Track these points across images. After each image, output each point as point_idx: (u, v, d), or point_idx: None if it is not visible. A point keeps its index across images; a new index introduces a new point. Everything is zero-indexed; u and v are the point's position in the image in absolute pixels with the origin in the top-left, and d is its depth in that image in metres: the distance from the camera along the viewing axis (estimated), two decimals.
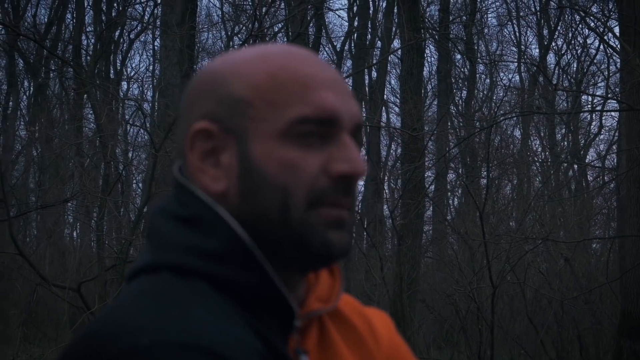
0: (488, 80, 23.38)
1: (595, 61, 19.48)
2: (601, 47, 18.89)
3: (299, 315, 1.35)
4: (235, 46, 18.42)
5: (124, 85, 23.50)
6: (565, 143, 18.76)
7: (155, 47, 21.55)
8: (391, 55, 20.21)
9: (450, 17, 19.44)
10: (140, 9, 21.90)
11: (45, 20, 20.29)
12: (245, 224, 1.30)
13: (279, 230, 1.29)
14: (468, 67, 21.21)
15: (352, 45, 23.08)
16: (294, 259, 1.32)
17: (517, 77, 22.12)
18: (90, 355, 1.16)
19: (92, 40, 20.58)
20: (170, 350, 1.13)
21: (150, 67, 22.47)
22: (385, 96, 22.93)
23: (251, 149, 1.30)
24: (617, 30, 12.89)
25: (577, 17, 15.70)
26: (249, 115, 1.31)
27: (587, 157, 20.41)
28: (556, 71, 20.22)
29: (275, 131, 1.29)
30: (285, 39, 19.32)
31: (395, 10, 19.12)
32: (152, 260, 1.30)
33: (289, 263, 1.33)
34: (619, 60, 13.11)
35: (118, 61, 21.43)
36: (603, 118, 20.84)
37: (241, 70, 1.34)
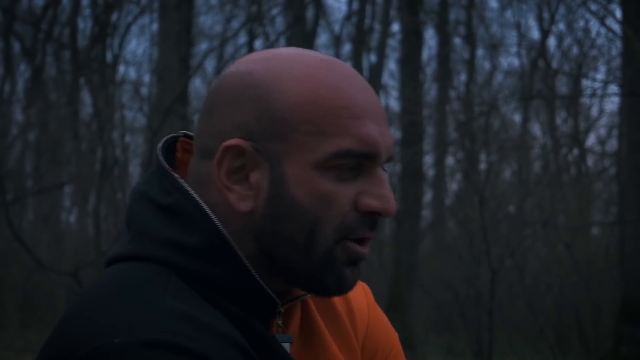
0: (488, 64, 23.32)
1: (596, 45, 19.39)
2: (602, 31, 18.81)
3: (283, 300, 1.34)
4: (233, 29, 18.35)
5: (121, 68, 23.41)
6: (566, 127, 18.68)
7: (153, 30, 21.44)
8: (390, 39, 20.13)
9: (450, 0, 19.33)
10: None
11: (42, 3, 20.19)
12: (263, 245, 1.28)
13: (299, 258, 1.27)
14: (468, 51, 21.13)
15: (350, 28, 22.99)
16: (299, 285, 1.32)
17: (517, 61, 22.07)
18: (63, 355, 1.16)
19: (89, 24, 20.52)
20: (143, 350, 1.12)
21: (148, 51, 22.37)
22: (384, 80, 22.84)
23: (285, 174, 1.25)
24: (618, 14, 12.80)
25: (578, 0, 15.59)
26: (288, 138, 1.25)
27: (588, 141, 20.39)
28: (556, 55, 20.17)
29: (313, 159, 1.24)
30: (284, 22, 19.23)
31: None
32: (129, 250, 1.29)
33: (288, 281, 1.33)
34: (620, 44, 13.03)
35: (115, 45, 21.35)
36: (604, 102, 20.82)
37: (287, 85, 1.26)
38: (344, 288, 1.30)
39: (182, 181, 1.30)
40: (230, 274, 1.26)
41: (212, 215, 1.27)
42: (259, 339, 1.26)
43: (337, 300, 1.47)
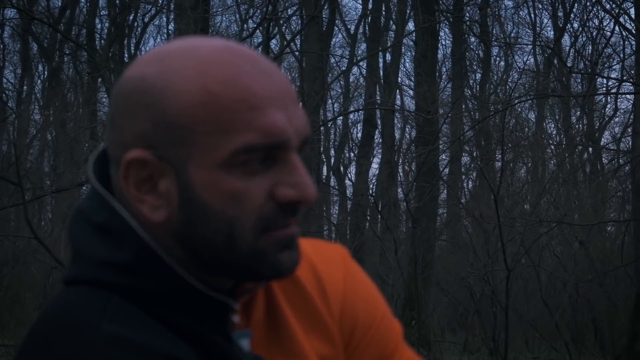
0: (503, 63, 23.34)
1: (610, 43, 19.40)
2: (616, 29, 18.81)
3: (238, 294, 1.32)
4: (249, 29, 18.42)
5: None
6: (580, 126, 18.69)
7: (169, 30, 21.55)
8: (405, 38, 20.18)
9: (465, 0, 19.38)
10: None
11: (59, 4, 20.31)
12: (189, 250, 1.25)
13: (227, 258, 1.24)
14: (483, 49, 21.17)
15: (366, 28, 23.05)
16: (239, 279, 1.30)
17: (532, 60, 22.10)
18: None
19: (106, 24, 20.63)
20: None
21: None
22: (399, 79, 22.92)
23: (191, 179, 1.21)
24: (632, 12, 12.81)
25: None
26: (188, 142, 1.20)
27: (602, 139, 20.38)
28: (571, 53, 20.18)
29: (217, 159, 1.19)
30: (299, 22, 19.30)
31: None
32: (71, 273, 1.28)
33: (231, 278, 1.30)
34: (634, 42, 13.04)
35: (132, 45, 21.46)
36: (618, 100, 20.79)
37: (179, 87, 1.20)
38: (283, 273, 1.26)
39: (109, 197, 1.27)
40: (167, 284, 1.24)
41: (139, 228, 1.24)
42: (208, 344, 1.25)
43: (306, 277, 1.43)
